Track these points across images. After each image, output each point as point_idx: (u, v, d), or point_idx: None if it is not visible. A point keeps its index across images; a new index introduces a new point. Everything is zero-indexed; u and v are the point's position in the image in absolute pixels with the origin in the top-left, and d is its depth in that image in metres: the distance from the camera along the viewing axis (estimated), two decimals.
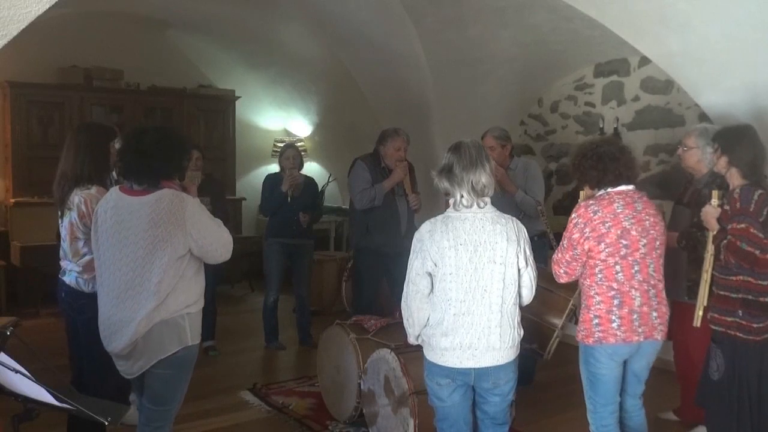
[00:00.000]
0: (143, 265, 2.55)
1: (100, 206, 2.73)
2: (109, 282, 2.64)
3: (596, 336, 2.86)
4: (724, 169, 3.10)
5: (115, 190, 2.71)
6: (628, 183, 2.90)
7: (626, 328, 2.83)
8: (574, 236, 2.85)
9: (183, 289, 2.61)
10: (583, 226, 2.83)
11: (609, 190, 2.88)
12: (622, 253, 2.82)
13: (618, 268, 2.83)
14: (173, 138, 2.74)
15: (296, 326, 5.64)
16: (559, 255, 2.93)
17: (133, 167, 2.64)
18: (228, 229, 2.80)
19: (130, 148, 2.66)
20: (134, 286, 2.57)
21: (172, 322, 2.59)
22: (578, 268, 2.90)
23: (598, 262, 2.84)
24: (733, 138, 3.10)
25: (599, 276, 2.86)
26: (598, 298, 2.87)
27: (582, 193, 3.05)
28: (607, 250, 2.82)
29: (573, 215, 2.89)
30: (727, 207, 3.02)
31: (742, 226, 2.89)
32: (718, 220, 3.05)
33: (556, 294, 3.53)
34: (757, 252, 2.84)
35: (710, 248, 3.10)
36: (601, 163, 2.86)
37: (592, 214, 2.82)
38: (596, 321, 2.86)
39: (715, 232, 3.06)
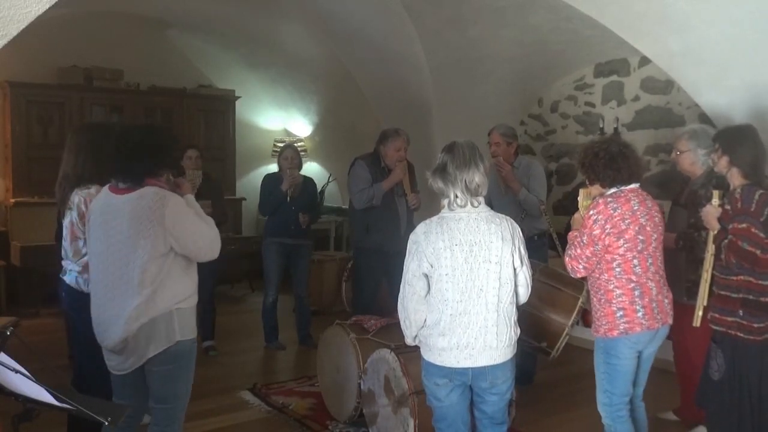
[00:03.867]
0: (127, 263, 2.59)
1: (92, 205, 2.79)
2: (98, 280, 2.68)
3: (621, 328, 2.90)
4: (725, 169, 3.10)
5: (104, 189, 2.75)
6: (637, 181, 2.96)
7: (649, 316, 2.91)
8: (594, 233, 2.88)
9: (171, 286, 2.62)
10: (603, 222, 2.86)
11: (623, 188, 2.93)
12: (639, 248, 2.88)
13: (636, 261, 2.89)
14: (157, 137, 2.76)
15: (296, 326, 5.64)
16: (578, 251, 2.93)
17: (117, 167, 2.69)
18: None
19: (116, 148, 2.71)
20: (120, 284, 2.61)
21: (161, 319, 2.60)
22: (595, 262, 2.94)
23: (616, 256, 2.89)
24: (734, 138, 3.10)
25: (617, 270, 2.90)
26: (618, 291, 2.91)
27: (582, 191, 3.07)
28: (626, 245, 2.87)
29: (591, 212, 2.90)
30: (728, 207, 3.02)
31: (744, 225, 2.89)
32: (719, 219, 3.05)
33: (564, 292, 3.58)
34: (758, 252, 2.84)
35: (711, 248, 3.11)
36: (615, 162, 2.91)
37: (612, 211, 2.86)
38: (621, 313, 2.90)
39: (715, 232, 3.07)
